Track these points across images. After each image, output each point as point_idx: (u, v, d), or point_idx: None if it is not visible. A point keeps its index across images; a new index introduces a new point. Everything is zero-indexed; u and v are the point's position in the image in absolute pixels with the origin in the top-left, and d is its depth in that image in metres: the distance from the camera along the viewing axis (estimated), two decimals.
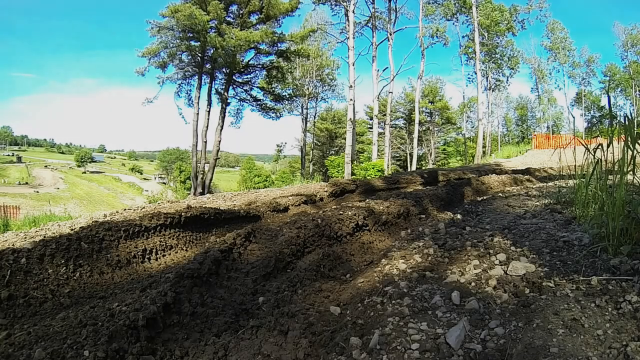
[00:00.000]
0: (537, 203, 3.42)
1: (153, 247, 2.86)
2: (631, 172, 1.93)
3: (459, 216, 3.55)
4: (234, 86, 18.47)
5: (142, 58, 16.00)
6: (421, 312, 1.53)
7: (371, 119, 27.55)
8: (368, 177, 12.55)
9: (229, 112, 18.37)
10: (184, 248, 3.12)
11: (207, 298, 1.87)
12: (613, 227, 1.74)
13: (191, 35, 15.59)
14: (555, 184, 4.61)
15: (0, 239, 3.40)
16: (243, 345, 1.56)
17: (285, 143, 45.74)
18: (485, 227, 2.65)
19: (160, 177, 77.88)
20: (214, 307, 1.80)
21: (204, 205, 4.11)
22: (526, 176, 7.79)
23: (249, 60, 17.91)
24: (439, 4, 24.32)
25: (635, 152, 1.85)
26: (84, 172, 79.48)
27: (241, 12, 16.87)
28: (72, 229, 3.04)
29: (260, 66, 18.38)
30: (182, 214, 3.21)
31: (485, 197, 5.12)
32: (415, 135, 24.26)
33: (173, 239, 3.07)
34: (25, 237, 3.42)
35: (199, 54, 16.50)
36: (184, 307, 1.73)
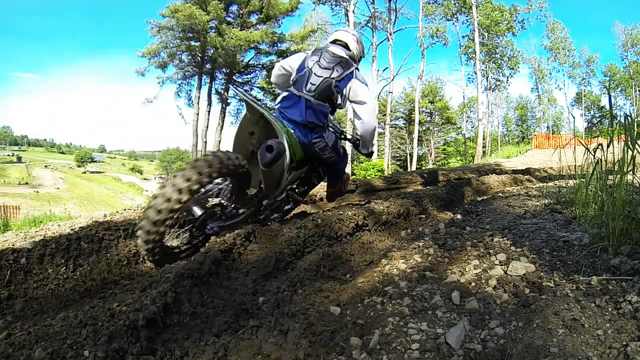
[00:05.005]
0: (537, 203, 3.42)
1: None
2: (631, 172, 1.93)
3: (459, 216, 3.55)
4: (234, 86, 18.48)
5: (142, 58, 16.11)
6: (421, 312, 1.53)
7: None
8: (368, 177, 12.56)
9: (229, 112, 18.42)
10: None
11: (207, 298, 1.87)
12: (613, 227, 1.74)
13: (191, 35, 15.62)
14: (555, 184, 4.60)
15: (0, 239, 3.40)
16: (243, 345, 1.56)
17: None
18: (485, 227, 2.65)
19: (161, 177, 77.88)
20: (214, 307, 1.80)
21: None
22: (526, 176, 7.79)
23: (249, 60, 17.96)
24: (439, 4, 24.36)
25: (635, 152, 1.85)
26: (84, 172, 79.49)
27: (241, 12, 16.89)
28: (72, 229, 3.04)
29: (260, 66, 18.42)
30: None
31: (485, 197, 5.12)
32: (415, 135, 24.28)
33: None
34: (25, 237, 3.42)
35: (199, 54, 16.54)
36: (184, 307, 1.73)
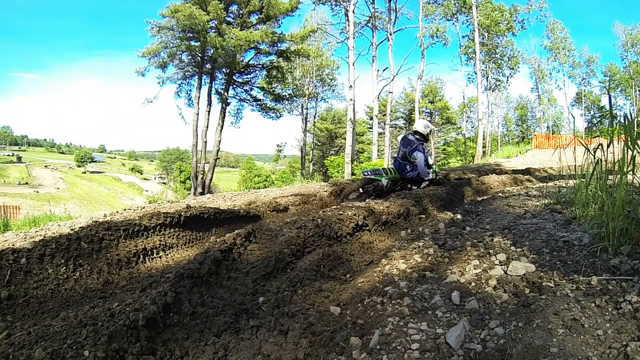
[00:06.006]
0: (537, 203, 3.42)
1: (153, 247, 2.86)
2: (631, 172, 1.93)
3: (459, 216, 3.55)
4: (234, 86, 18.45)
5: (142, 58, 15.99)
6: (421, 312, 1.53)
7: (371, 119, 27.55)
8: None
9: (229, 112, 18.37)
10: (184, 248, 3.13)
11: (207, 298, 1.87)
12: (613, 227, 1.74)
13: (191, 35, 15.58)
14: (555, 184, 4.60)
15: (0, 239, 3.40)
16: (243, 345, 1.56)
17: (285, 143, 45.79)
18: (485, 227, 2.65)
19: (161, 177, 77.80)
20: (214, 307, 1.80)
21: (203, 205, 4.11)
22: (526, 176, 7.80)
23: (249, 60, 17.89)
24: (439, 4, 24.29)
25: (635, 152, 1.85)
26: (84, 172, 79.42)
27: (241, 12, 16.86)
28: (72, 229, 3.04)
29: (260, 66, 18.36)
30: (182, 213, 3.21)
31: (485, 197, 5.12)
32: None
33: (173, 239, 3.07)
34: (25, 237, 3.42)
35: (199, 54, 16.50)
36: (184, 307, 1.73)
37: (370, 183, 5.54)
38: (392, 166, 5.90)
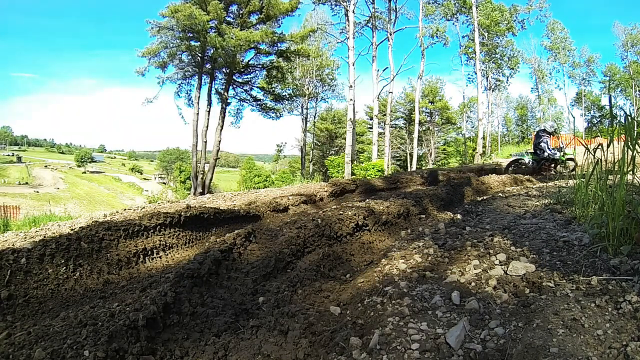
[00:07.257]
0: (537, 203, 3.42)
1: (153, 247, 2.86)
2: (631, 172, 1.93)
3: (459, 216, 3.55)
4: (234, 86, 18.44)
5: (142, 58, 15.99)
6: (421, 312, 1.53)
7: (371, 119, 27.56)
8: (368, 177, 12.55)
9: (229, 112, 18.36)
10: (184, 248, 3.13)
11: (207, 298, 1.87)
12: (613, 227, 1.74)
13: (191, 35, 15.57)
14: (555, 184, 4.60)
15: (0, 239, 3.40)
16: (243, 345, 1.56)
17: (285, 143, 45.80)
18: (485, 227, 2.65)
19: (161, 177, 77.80)
20: (214, 307, 1.80)
21: (203, 205, 4.11)
22: (526, 176, 7.79)
23: (249, 60, 17.88)
24: (439, 4, 24.30)
25: (635, 152, 1.85)
26: (84, 172, 79.40)
27: (241, 12, 16.86)
28: (72, 229, 3.04)
29: (260, 66, 18.35)
30: (182, 213, 3.21)
31: (485, 197, 5.11)
32: (415, 135, 24.25)
33: (173, 239, 3.07)
34: (25, 237, 3.42)
35: (199, 54, 16.49)
36: (184, 307, 1.73)
37: (517, 161, 9.19)
38: (531, 150, 9.32)
